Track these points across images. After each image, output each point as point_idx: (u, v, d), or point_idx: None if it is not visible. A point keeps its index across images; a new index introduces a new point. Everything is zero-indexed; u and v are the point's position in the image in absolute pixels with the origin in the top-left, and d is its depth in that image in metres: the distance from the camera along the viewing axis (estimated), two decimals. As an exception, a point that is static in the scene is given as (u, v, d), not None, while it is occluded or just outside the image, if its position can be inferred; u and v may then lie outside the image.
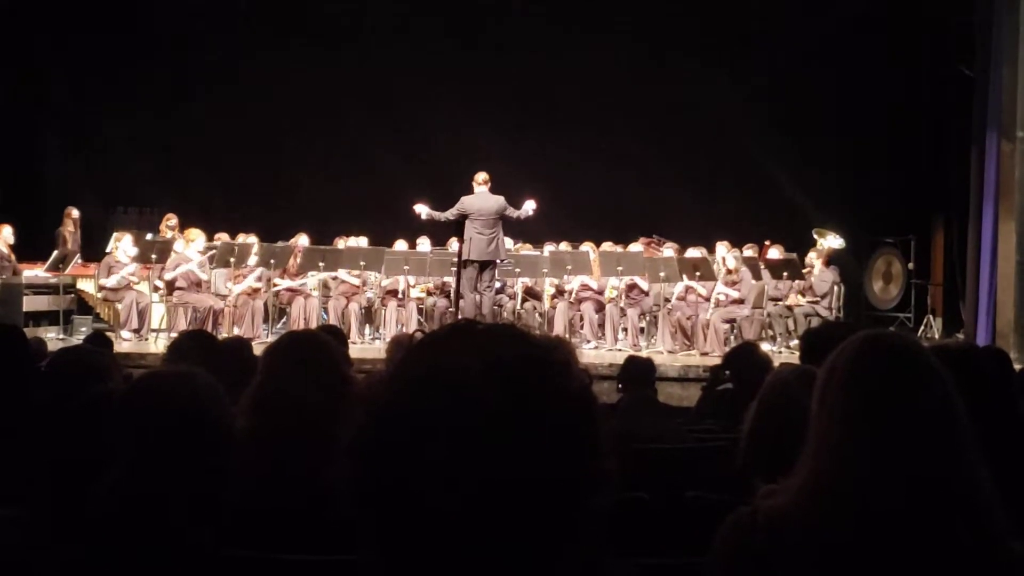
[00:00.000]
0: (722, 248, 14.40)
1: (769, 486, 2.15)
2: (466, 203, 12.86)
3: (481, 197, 12.90)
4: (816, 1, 16.17)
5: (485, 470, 1.13)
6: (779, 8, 16.50)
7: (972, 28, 14.54)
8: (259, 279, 13.89)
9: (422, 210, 13.22)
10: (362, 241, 14.73)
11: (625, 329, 13.86)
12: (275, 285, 13.97)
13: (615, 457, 1.23)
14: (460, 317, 10.42)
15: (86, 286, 14.27)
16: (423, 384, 1.19)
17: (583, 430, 1.20)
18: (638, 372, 6.25)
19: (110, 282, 13.49)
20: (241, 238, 14.45)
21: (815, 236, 14.84)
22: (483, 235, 12.73)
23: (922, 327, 16.01)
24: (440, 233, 14.43)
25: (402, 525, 1.16)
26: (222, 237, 14.30)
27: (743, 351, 6.14)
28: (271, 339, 8.52)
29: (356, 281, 14.04)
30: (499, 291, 14.04)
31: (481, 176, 13.03)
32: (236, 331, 12.76)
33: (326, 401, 3.03)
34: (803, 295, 14.00)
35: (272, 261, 13.63)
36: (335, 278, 14.09)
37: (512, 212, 12.97)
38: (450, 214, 12.99)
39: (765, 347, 10.45)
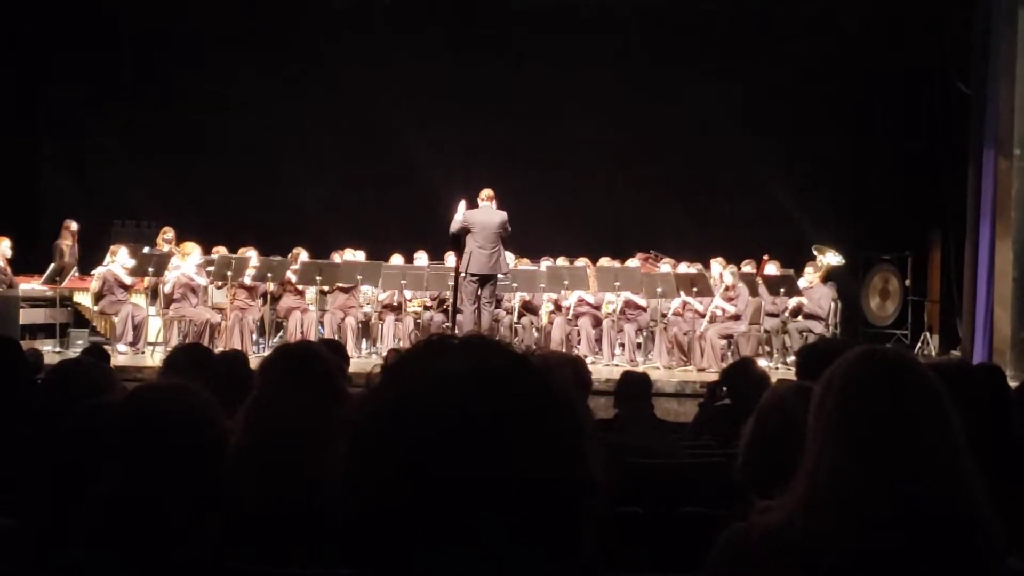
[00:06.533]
0: (717, 265, 14.40)
1: (765, 502, 2.15)
2: (469, 217, 12.81)
3: (485, 212, 12.87)
4: (814, 20, 16.19)
5: (470, 474, 1.13)
6: (777, 27, 16.53)
7: (970, 46, 14.58)
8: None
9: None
10: (359, 255, 14.72)
11: (622, 344, 13.86)
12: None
13: (607, 468, 1.23)
14: (458, 331, 10.44)
15: (83, 299, 14.24)
16: (400, 397, 1.19)
17: (566, 433, 1.20)
18: (634, 387, 6.24)
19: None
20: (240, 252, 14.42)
21: (815, 252, 14.85)
22: (484, 250, 12.67)
23: (919, 344, 16.00)
24: (438, 247, 14.41)
25: (393, 539, 1.16)
26: (220, 250, 14.28)
27: (740, 367, 6.13)
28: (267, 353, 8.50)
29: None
30: (496, 306, 14.03)
31: (486, 192, 12.99)
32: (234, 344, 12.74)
33: (321, 414, 3.02)
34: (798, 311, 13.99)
35: (269, 275, 13.61)
36: (329, 291, 14.08)
37: (507, 229, 12.93)
38: (453, 225, 12.93)
39: (762, 363, 10.44)
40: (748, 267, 14.50)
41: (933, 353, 15.60)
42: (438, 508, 1.13)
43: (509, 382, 1.20)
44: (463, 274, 12.79)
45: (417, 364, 1.23)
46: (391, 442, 1.16)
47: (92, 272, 14.12)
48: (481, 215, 12.85)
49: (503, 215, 12.87)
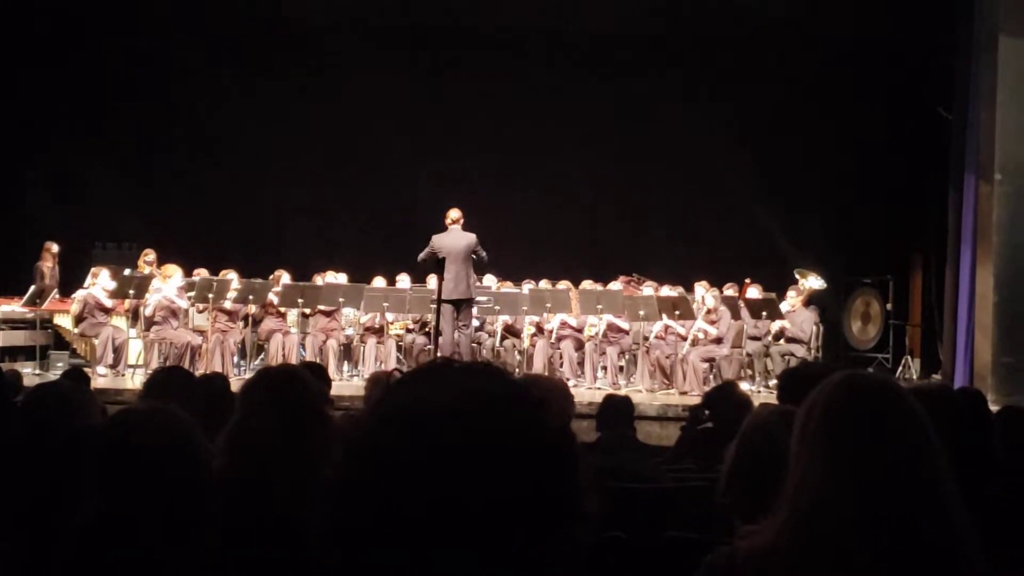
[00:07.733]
0: (700, 288, 14.41)
1: (748, 526, 2.14)
2: (435, 242, 12.69)
3: (452, 235, 12.73)
4: (795, 44, 16.29)
5: (465, 503, 1.13)
6: (760, 54, 16.61)
7: (951, 70, 14.66)
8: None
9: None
10: (341, 277, 14.68)
11: (604, 368, 13.85)
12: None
13: (594, 495, 1.23)
14: (438, 354, 10.39)
15: (63, 321, 14.18)
16: (401, 420, 1.19)
17: (561, 464, 1.20)
18: (616, 411, 6.24)
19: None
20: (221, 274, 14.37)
21: (797, 276, 14.88)
22: (451, 274, 12.44)
23: (900, 368, 16.03)
24: (420, 270, 14.38)
25: (380, 563, 1.15)
26: (201, 272, 14.23)
27: (723, 391, 6.14)
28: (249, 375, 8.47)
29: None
30: (478, 329, 13.99)
31: (453, 214, 12.83)
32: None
33: (302, 437, 3.01)
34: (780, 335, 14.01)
35: (251, 297, 13.58)
36: (310, 314, 14.06)
37: (480, 251, 12.80)
38: (423, 255, 12.79)
39: (744, 386, 10.44)
40: (730, 291, 14.52)
41: (914, 377, 15.63)
42: (433, 529, 1.13)
43: (508, 409, 1.21)
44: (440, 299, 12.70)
45: (419, 387, 1.23)
46: (390, 461, 1.16)
47: (73, 295, 14.06)
48: (448, 239, 12.70)
49: (471, 237, 12.74)
